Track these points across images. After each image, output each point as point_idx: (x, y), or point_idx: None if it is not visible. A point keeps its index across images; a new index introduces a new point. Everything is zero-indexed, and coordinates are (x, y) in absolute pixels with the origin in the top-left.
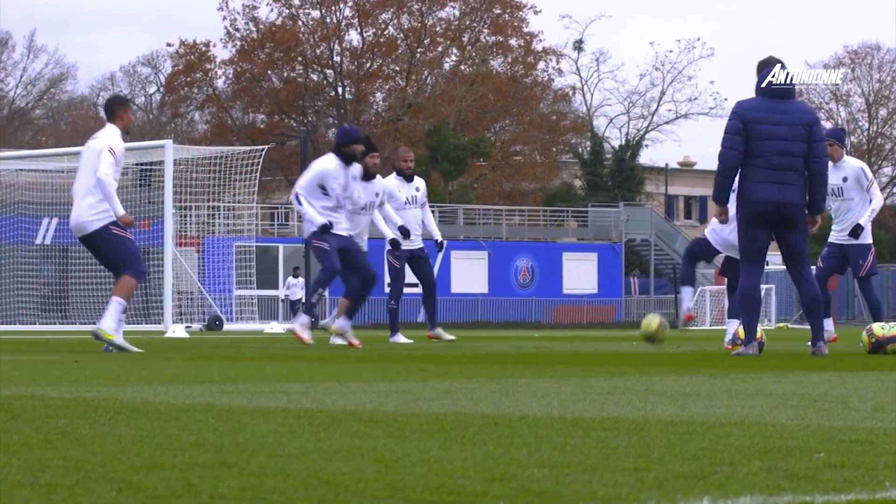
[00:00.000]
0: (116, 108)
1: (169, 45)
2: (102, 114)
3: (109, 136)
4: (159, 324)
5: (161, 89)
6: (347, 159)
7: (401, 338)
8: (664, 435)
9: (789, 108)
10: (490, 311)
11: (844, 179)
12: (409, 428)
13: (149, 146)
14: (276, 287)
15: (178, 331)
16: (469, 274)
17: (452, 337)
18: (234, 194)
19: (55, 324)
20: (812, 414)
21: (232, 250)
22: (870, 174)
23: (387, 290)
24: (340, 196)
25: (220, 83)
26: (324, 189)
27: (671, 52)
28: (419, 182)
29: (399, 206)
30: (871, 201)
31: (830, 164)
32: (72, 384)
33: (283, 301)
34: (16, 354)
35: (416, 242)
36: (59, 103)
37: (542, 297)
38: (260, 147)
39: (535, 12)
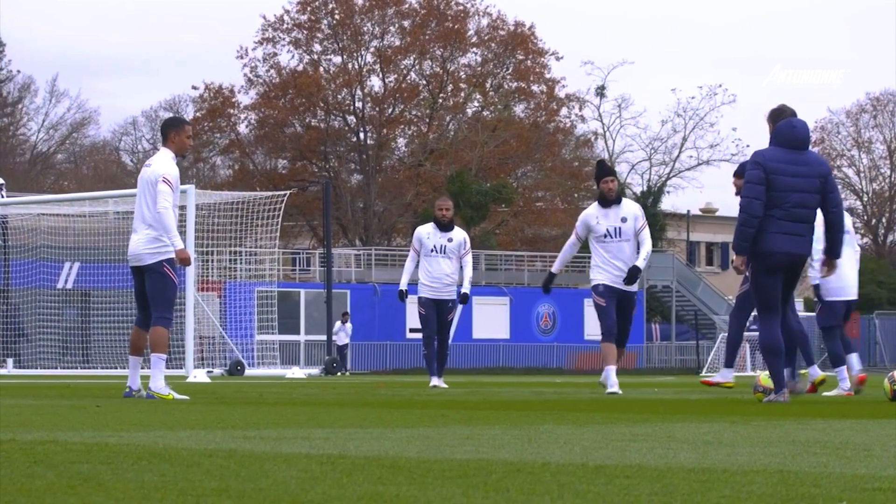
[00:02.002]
0: (167, 131)
1: (194, 87)
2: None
3: (163, 164)
4: (181, 369)
5: None
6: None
7: (436, 381)
8: (686, 482)
9: (806, 159)
10: (511, 356)
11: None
12: (431, 474)
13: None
14: (297, 332)
15: (199, 376)
16: (491, 320)
17: (445, 386)
18: (256, 239)
19: (76, 368)
20: (834, 462)
21: (254, 295)
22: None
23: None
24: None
25: (242, 128)
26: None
27: (693, 98)
28: (456, 234)
29: (426, 252)
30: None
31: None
32: (94, 429)
33: (339, 347)
34: (37, 399)
35: (441, 292)
36: (81, 148)
37: (563, 343)
38: (282, 192)
39: (558, 58)
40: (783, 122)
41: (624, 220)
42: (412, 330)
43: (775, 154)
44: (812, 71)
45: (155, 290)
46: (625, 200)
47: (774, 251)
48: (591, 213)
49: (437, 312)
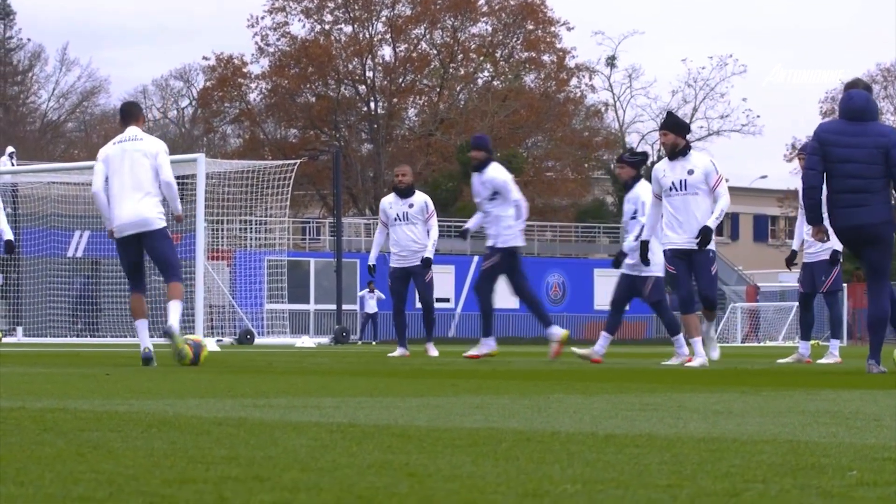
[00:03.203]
0: (140, 112)
1: (205, 58)
2: (119, 116)
3: (156, 139)
4: None
5: (193, 103)
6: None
7: (397, 352)
8: (696, 452)
9: (866, 130)
10: (521, 326)
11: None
12: (441, 443)
13: (181, 160)
14: (307, 301)
15: (209, 344)
16: (500, 289)
17: (436, 353)
18: (266, 208)
19: (86, 336)
20: (844, 432)
21: (263, 264)
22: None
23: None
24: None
25: (252, 98)
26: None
27: (703, 68)
28: (417, 198)
29: (391, 222)
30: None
31: None
32: (104, 397)
33: (369, 315)
34: (47, 367)
35: (410, 260)
36: (91, 116)
37: (573, 314)
38: (292, 161)
39: (568, 28)
40: (843, 96)
41: (691, 172)
42: None
43: (833, 126)
44: (812, 71)
45: (168, 252)
46: (694, 152)
47: (840, 227)
48: (660, 166)
49: (408, 281)
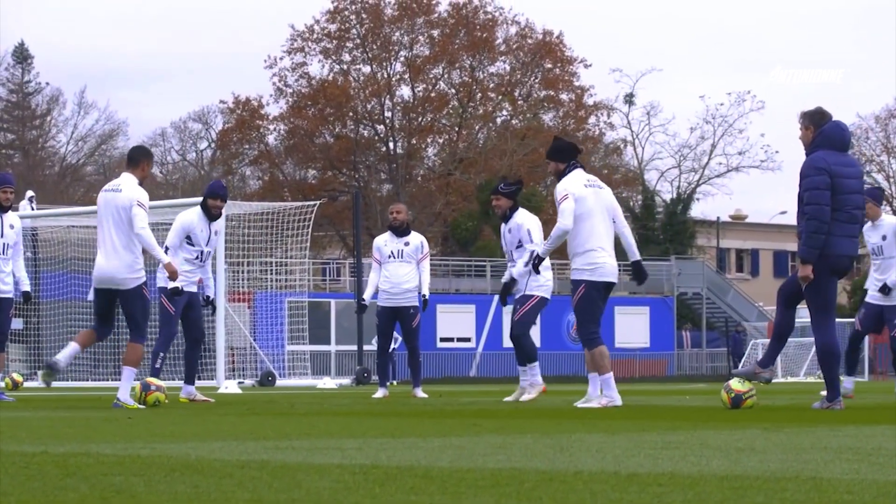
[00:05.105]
0: (141, 159)
1: (222, 101)
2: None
3: (133, 189)
4: (212, 380)
5: (212, 145)
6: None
7: (378, 393)
8: (719, 490)
9: (851, 160)
10: (542, 365)
11: (884, 238)
12: (464, 484)
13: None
14: (328, 343)
15: (230, 387)
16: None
17: (426, 396)
18: (286, 250)
19: (107, 380)
20: (867, 468)
21: (284, 306)
22: None
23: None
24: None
25: (271, 139)
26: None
27: (722, 105)
28: (414, 237)
29: (385, 259)
30: None
31: (869, 223)
32: (126, 441)
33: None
34: (69, 411)
35: (400, 298)
36: (110, 159)
37: None
38: (312, 203)
39: (586, 66)
40: (832, 125)
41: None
42: (443, 339)
43: (832, 157)
44: (812, 70)
45: (137, 311)
46: (565, 178)
47: (841, 254)
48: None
49: (396, 321)
